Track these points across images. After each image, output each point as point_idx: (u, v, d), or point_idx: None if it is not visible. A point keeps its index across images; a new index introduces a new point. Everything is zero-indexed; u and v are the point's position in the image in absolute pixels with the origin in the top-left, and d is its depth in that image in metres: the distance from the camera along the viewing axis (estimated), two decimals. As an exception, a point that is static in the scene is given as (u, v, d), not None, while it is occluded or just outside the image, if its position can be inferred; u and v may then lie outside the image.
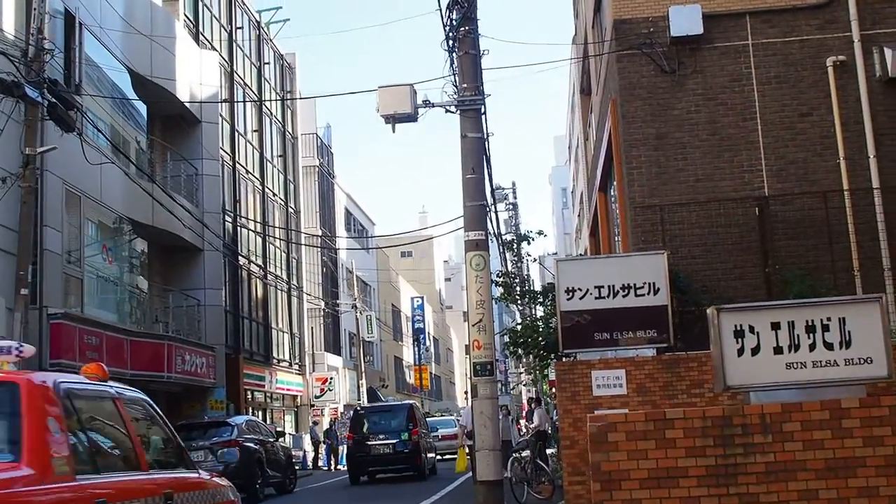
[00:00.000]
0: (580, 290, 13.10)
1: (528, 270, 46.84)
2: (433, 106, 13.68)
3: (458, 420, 38.47)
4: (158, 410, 6.03)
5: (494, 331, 13.36)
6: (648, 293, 12.96)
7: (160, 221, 23.52)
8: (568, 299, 13.11)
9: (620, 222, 15.26)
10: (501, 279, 26.01)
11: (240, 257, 32.06)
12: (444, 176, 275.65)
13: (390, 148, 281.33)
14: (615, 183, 15.67)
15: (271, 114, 38.38)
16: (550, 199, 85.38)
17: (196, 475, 6.15)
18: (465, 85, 13.48)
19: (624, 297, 13.04)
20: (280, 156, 39.44)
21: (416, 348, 66.97)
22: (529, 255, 24.94)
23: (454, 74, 13.60)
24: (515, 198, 46.52)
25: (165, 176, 25.59)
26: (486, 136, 13.68)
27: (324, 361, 42.53)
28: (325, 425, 37.90)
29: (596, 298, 13.08)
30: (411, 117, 13.61)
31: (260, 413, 34.07)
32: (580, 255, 22.19)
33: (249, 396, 32.83)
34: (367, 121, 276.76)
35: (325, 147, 47.81)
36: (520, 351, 25.67)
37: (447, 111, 13.74)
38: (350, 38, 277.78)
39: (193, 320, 26.10)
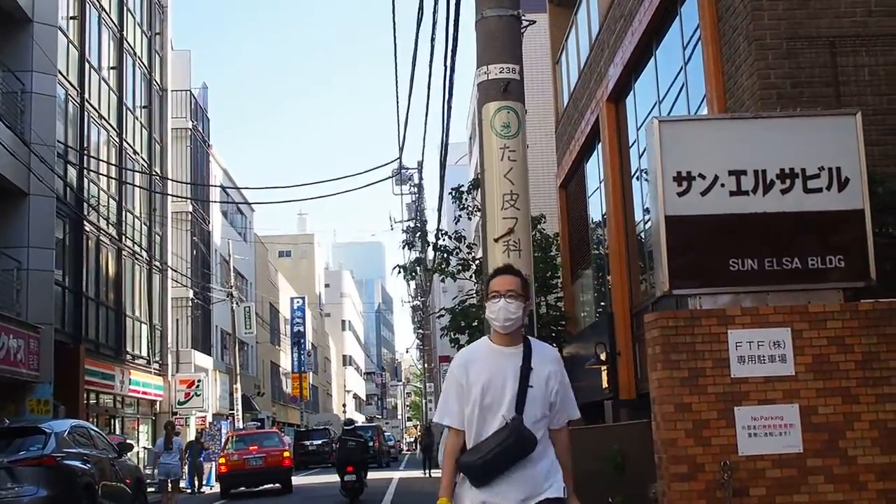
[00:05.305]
0: (701, 177, 6.91)
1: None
2: None
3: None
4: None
5: (531, 251, 7.02)
6: (828, 187, 6.87)
7: (-39, 142, 16.42)
8: (679, 193, 6.91)
9: (714, 87, 9.14)
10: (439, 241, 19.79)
11: (85, 221, 24.78)
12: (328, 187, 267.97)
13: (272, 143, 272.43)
14: (701, 23, 9.58)
15: (134, 54, 31.11)
16: (435, 207, 79.12)
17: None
18: None
19: (783, 192, 6.91)
20: (145, 107, 32.20)
21: (297, 354, 59.76)
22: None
23: None
24: (421, 178, 40.16)
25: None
26: None
27: (190, 361, 35.29)
28: (191, 437, 30.63)
29: (732, 194, 6.92)
30: None
31: (110, 421, 26.90)
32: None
33: (93, 399, 25.60)
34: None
35: (200, 109, 40.57)
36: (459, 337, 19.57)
37: None
38: None
39: (9, 288, 18.84)
